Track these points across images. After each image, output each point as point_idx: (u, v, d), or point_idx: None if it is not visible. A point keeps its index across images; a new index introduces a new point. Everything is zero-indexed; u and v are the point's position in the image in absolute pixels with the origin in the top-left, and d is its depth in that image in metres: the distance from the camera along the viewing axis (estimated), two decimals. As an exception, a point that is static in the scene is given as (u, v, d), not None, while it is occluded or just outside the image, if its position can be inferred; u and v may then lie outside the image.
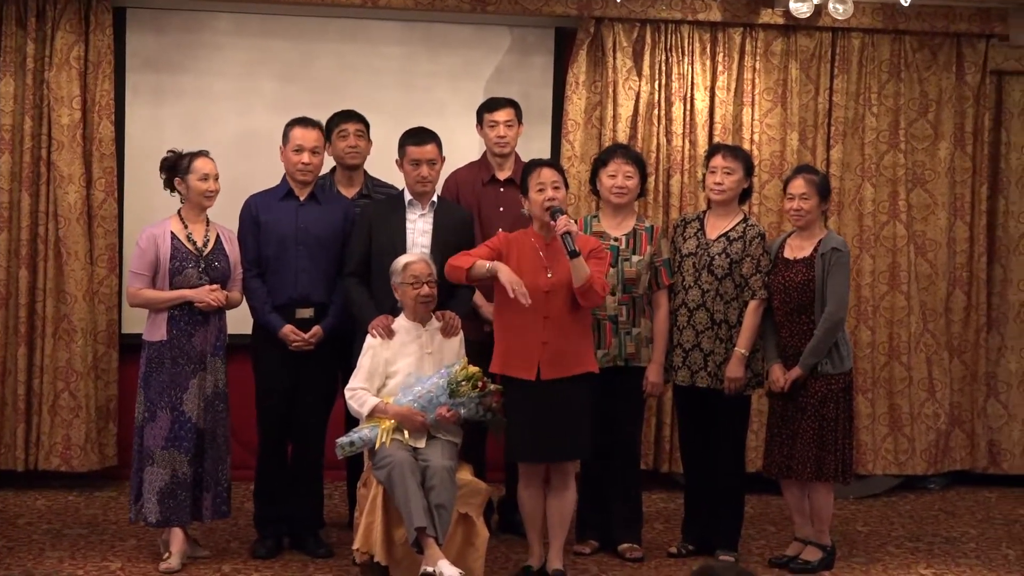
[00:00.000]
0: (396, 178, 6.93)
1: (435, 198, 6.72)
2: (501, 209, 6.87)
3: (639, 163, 6.83)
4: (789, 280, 6.63)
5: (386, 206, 6.77)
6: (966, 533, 7.58)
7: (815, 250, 6.62)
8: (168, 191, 6.56)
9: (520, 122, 7.08)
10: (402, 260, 6.38)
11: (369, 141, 7.09)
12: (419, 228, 6.64)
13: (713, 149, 7.01)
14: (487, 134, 7.06)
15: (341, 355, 6.63)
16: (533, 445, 6.28)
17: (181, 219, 6.51)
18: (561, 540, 6.46)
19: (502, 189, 6.96)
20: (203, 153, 6.51)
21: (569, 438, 6.32)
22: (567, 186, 6.49)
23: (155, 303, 6.43)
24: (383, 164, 7.09)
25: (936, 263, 8.42)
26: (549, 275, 6.27)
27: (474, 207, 6.90)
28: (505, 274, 6.17)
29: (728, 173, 6.75)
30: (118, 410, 7.87)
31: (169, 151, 6.54)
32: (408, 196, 6.69)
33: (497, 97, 7.16)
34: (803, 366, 6.58)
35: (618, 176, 6.75)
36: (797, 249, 6.69)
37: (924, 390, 8.42)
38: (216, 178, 6.49)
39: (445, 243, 6.55)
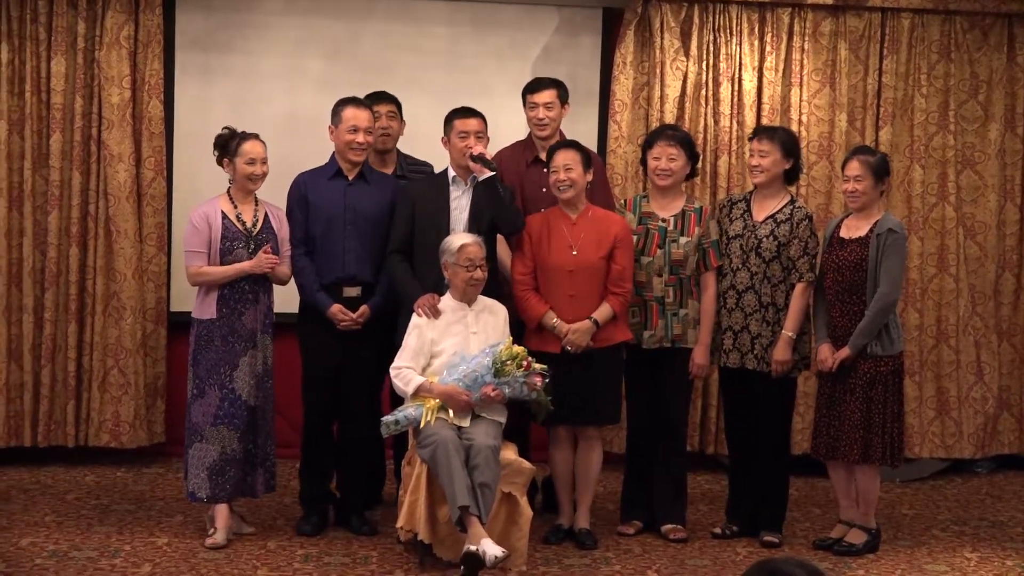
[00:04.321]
0: (438, 158, 6.94)
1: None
2: (544, 190, 6.86)
3: (685, 144, 6.81)
4: (843, 259, 6.60)
5: (430, 184, 6.79)
6: (1013, 517, 7.53)
7: (871, 230, 6.59)
8: (220, 166, 6.59)
9: (564, 103, 7.03)
10: (457, 241, 6.38)
11: (402, 121, 7.13)
12: (461, 205, 6.65)
13: (752, 132, 7.01)
14: (528, 115, 7.05)
15: (387, 333, 6.64)
16: (558, 411, 6.43)
17: (230, 198, 6.54)
18: (587, 500, 6.71)
19: (545, 170, 6.96)
20: (252, 136, 6.52)
21: (592, 404, 6.57)
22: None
23: (216, 279, 6.45)
24: (428, 144, 7.11)
25: (985, 245, 8.36)
26: (574, 253, 6.52)
27: (516, 187, 6.87)
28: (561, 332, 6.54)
29: (763, 155, 6.73)
30: (166, 387, 7.94)
31: (225, 128, 6.56)
32: (451, 173, 6.70)
33: (541, 78, 7.13)
34: (852, 347, 6.55)
35: (662, 159, 6.74)
36: (853, 229, 6.66)
37: (972, 373, 8.36)
38: (264, 161, 6.51)
39: (482, 218, 6.59)
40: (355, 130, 6.65)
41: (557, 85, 7.04)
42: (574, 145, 6.66)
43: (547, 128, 6.96)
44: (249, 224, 6.51)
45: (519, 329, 6.56)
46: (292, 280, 6.72)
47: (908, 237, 8.05)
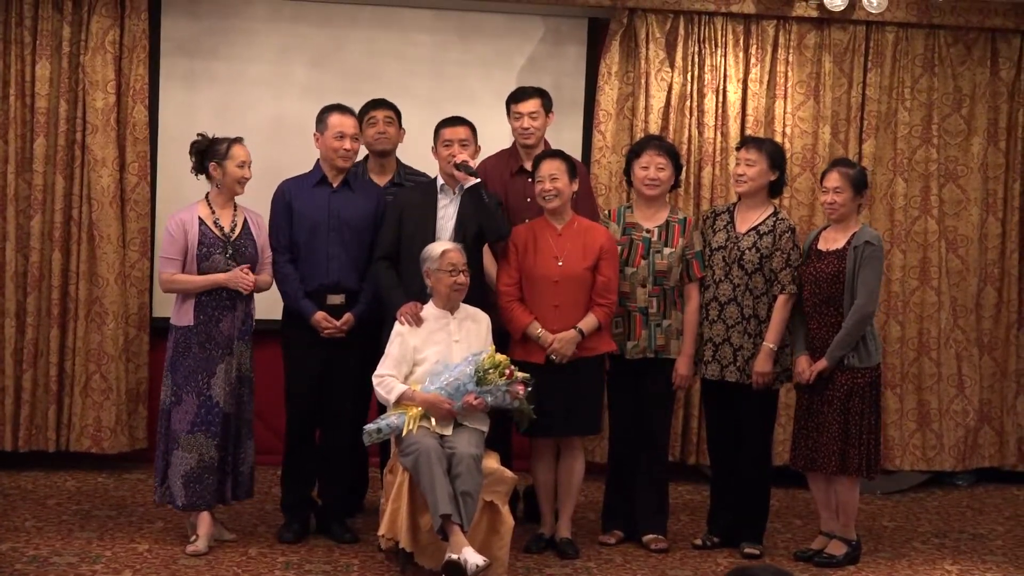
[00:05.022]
0: (429, 167, 6.95)
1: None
2: (528, 200, 6.87)
3: (672, 155, 6.83)
4: (820, 271, 6.62)
5: (418, 192, 6.80)
6: (993, 530, 7.56)
7: (848, 243, 6.61)
8: (196, 174, 6.58)
9: (549, 112, 7.05)
10: (438, 247, 6.39)
11: (400, 128, 7.11)
12: (448, 213, 6.66)
13: (740, 142, 7.04)
14: (512, 125, 7.06)
15: (371, 341, 6.64)
16: (542, 421, 6.43)
17: (209, 204, 6.54)
18: (569, 509, 6.73)
19: (529, 180, 6.96)
20: (239, 140, 6.53)
21: (577, 414, 6.58)
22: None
23: (189, 288, 6.45)
24: (415, 152, 7.12)
25: (967, 259, 8.39)
26: (560, 263, 6.53)
27: (501, 196, 6.89)
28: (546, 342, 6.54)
29: (749, 165, 6.75)
30: (148, 393, 7.92)
31: (199, 134, 6.57)
32: (440, 182, 6.71)
33: (525, 87, 7.14)
34: (829, 358, 6.57)
35: (650, 168, 6.76)
36: (831, 241, 6.69)
37: (953, 386, 8.39)
38: (250, 165, 6.52)
39: (468, 226, 6.60)
40: (341, 136, 6.66)
41: (541, 94, 7.05)
42: (560, 155, 6.67)
43: (532, 137, 6.97)
44: (227, 229, 6.50)
45: (503, 340, 6.57)
46: (275, 286, 6.72)
47: (890, 250, 8.12)
